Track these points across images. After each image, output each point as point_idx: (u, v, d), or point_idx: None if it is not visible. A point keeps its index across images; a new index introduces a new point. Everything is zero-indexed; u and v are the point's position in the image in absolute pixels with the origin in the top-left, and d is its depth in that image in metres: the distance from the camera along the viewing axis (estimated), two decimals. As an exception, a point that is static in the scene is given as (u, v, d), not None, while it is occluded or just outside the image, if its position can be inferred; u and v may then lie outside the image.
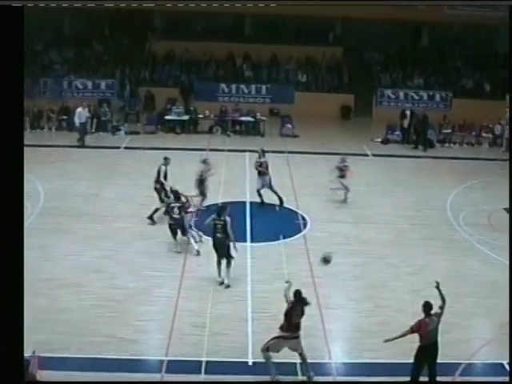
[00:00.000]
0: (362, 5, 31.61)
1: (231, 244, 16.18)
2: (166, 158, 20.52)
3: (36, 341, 13.13)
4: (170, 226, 18.27)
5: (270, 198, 21.79)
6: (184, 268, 17.36)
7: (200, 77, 35.27)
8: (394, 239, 19.63)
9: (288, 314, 12.47)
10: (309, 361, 12.69)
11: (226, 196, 22.33)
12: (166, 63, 35.94)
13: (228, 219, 16.16)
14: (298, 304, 12.50)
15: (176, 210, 18.06)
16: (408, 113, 31.31)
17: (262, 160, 21.59)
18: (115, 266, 17.35)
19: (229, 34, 36.96)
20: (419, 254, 18.32)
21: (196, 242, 18.31)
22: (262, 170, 21.44)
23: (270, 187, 21.50)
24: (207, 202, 21.38)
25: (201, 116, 31.91)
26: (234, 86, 34.79)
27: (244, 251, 18.22)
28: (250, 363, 13.32)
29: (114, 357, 13.50)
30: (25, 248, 18.42)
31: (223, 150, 28.33)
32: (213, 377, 12.85)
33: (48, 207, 21.49)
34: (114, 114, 31.96)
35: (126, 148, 28.87)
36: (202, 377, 12.88)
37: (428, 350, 12.13)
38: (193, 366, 13.11)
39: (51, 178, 23.45)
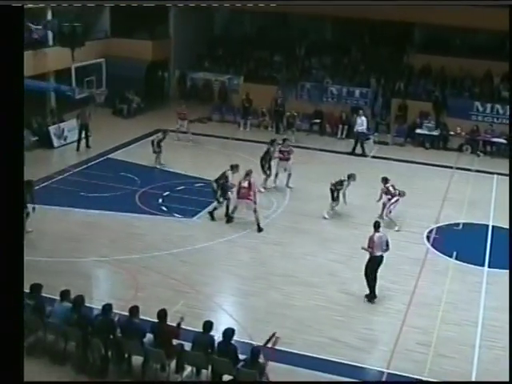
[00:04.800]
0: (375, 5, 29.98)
1: None
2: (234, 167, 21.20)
3: (265, 332, 13.80)
4: None
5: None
6: (417, 284, 17.24)
7: (454, 93, 34.54)
8: None
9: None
10: None
11: (468, 217, 21.82)
12: (422, 77, 35.59)
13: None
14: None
15: None
16: None
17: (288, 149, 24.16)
18: (348, 272, 17.61)
19: (489, 52, 35.78)
20: None
21: None
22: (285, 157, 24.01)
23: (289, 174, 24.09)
24: (446, 221, 21.16)
25: (452, 133, 31.28)
26: (488, 106, 33.55)
27: (480, 275, 17.74)
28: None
29: (336, 360, 13.78)
30: (264, 242, 19.42)
31: (470, 170, 27.60)
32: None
33: (292, 206, 22.37)
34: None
35: (373, 157, 29.09)
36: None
37: (374, 260, 16.02)
38: (412, 384, 13.05)
39: (298, 178, 24.22)
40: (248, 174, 20.50)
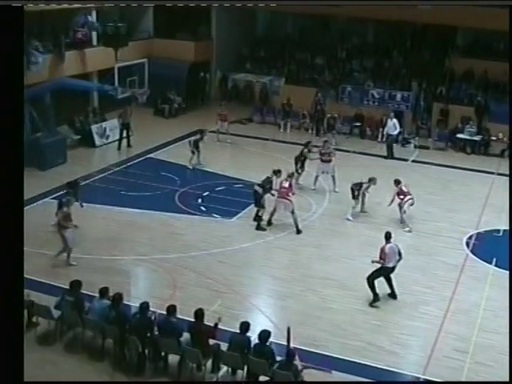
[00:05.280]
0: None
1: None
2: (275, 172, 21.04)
3: (301, 334, 13.83)
4: None
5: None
6: (455, 290, 17.11)
7: (497, 98, 34.15)
8: None
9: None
10: None
11: (508, 223, 21.56)
12: (464, 81, 35.27)
13: None
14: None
15: None
16: None
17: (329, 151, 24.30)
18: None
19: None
20: None
21: None
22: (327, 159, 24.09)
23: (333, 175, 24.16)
24: (486, 227, 20.98)
25: (493, 138, 30.95)
26: (532, 111, 33.15)
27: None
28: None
29: (371, 364, 13.75)
30: (303, 244, 19.45)
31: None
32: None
33: (331, 208, 22.34)
34: (405, 126, 32.10)
35: (413, 161, 28.91)
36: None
37: (386, 271, 15.93)
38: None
39: (337, 181, 24.11)
40: (290, 176, 20.71)
